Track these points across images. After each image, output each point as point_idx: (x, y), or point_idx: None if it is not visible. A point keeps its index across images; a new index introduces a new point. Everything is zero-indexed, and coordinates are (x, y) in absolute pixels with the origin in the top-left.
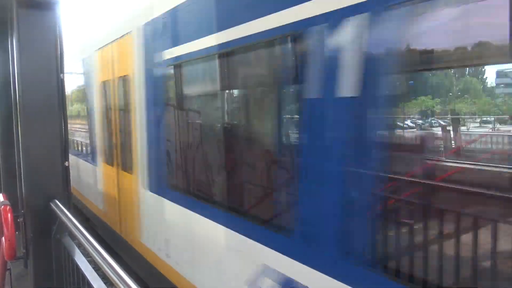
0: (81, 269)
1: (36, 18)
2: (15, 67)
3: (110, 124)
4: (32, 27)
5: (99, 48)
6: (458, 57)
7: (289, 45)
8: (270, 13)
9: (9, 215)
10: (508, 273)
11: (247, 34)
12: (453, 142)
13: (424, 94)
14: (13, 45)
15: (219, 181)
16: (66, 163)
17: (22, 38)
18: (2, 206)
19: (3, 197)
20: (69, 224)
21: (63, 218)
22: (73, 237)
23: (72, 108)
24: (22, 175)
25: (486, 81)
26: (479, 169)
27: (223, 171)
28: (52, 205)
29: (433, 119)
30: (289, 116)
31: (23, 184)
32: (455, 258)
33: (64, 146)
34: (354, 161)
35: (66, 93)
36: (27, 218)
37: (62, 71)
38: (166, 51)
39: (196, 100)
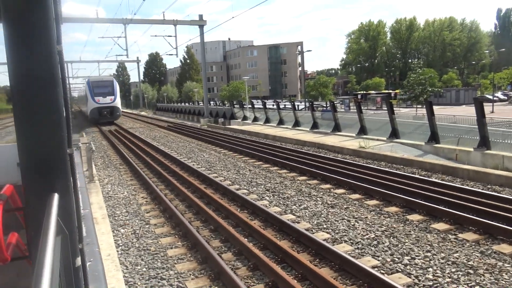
0: (77, 269)
1: None
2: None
3: None
4: None
5: None
6: None
7: None
8: None
9: None
10: None
11: None
12: None
13: None
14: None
15: None
16: (69, 150)
17: (6, 5)
18: None
19: (8, 190)
20: (64, 222)
21: (63, 214)
22: (71, 235)
23: None
24: (20, 166)
25: None
26: None
27: None
28: (54, 199)
29: None
30: None
31: (21, 176)
32: None
33: (67, 130)
34: None
35: None
36: (28, 214)
37: (59, 42)
38: None
39: None
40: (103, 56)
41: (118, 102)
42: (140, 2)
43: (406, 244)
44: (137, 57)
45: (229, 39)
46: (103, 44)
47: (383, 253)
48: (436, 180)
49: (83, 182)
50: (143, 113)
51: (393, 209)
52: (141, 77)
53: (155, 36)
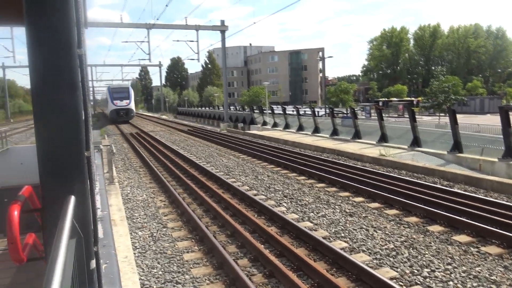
0: (92, 272)
1: None
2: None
3: None
4: None
5: None
6: None
7: None
8: None
9: (15, 213)
10: None
11: None
12: None
13: None
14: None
15: None
16: (87, 153)
17: (30, 8)
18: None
19: (26, 191)
20: (79, 224)
21: (79, 217)
22: (86, 237)
23: None
24: (38, 167)
25: None
26: None
27: None
28: (70, 201)
29: None
30: None
31: (39, 178)
32: None
33: (85, 133)
34: None
35: None
36: (44, 216)
37: (80, 46)
38: None
39: None
40: (126, 60)
41: (132, 105)
42: (163, 8)
43: (426, 255)
44: (159, 62)
45: (250, 44)
46: (126, 48)
47: (402, 264)
48: (459, 191)
49: (103, 184)
50: (164, 116)
51: (413, 219)
52: (163, 81)
53: (177, 41)
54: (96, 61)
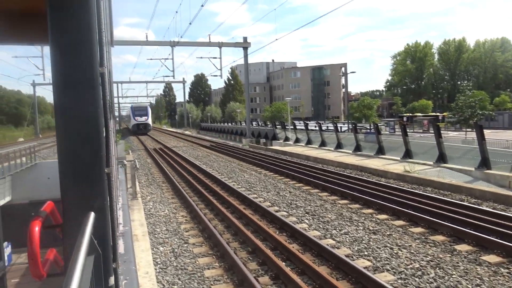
0: None
1: (70, 5)
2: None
3: None
4: (65, 13)
5: None
6: None
7: None
8: None
9: (36, 229)
10: None
11: None
12: None
13: None
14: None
15: None
16: (107, 170)
17: (54, 27)
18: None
19: (48, 207)
20: (98, 241)
21: (98, 233)
22: (105, 254)
23: None
24: (60, 183)
25: None
26: None
27: None
28: (90, 217)
29: None
30: None
31: (61, 193)
32: None
33: (106, 150)
34: None
35: None
36: (65, 231)
37: (102, 64)
38: None
39: None
40: (151, 77)
41: (150, 121)
42: (187, 25)
43: (453, 276)
44: (183, 78)
45: (272, 60)
46: (151, 65)
47: (428, 284)
48: (487, 209)
49: (125, 199)
50: (187, 132)
51: (439, 238)
52: (187, 97)
53: (201, 57)
54: (122, 78)
